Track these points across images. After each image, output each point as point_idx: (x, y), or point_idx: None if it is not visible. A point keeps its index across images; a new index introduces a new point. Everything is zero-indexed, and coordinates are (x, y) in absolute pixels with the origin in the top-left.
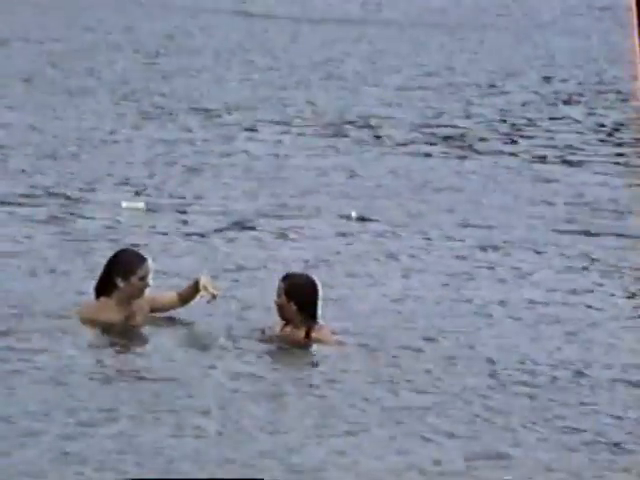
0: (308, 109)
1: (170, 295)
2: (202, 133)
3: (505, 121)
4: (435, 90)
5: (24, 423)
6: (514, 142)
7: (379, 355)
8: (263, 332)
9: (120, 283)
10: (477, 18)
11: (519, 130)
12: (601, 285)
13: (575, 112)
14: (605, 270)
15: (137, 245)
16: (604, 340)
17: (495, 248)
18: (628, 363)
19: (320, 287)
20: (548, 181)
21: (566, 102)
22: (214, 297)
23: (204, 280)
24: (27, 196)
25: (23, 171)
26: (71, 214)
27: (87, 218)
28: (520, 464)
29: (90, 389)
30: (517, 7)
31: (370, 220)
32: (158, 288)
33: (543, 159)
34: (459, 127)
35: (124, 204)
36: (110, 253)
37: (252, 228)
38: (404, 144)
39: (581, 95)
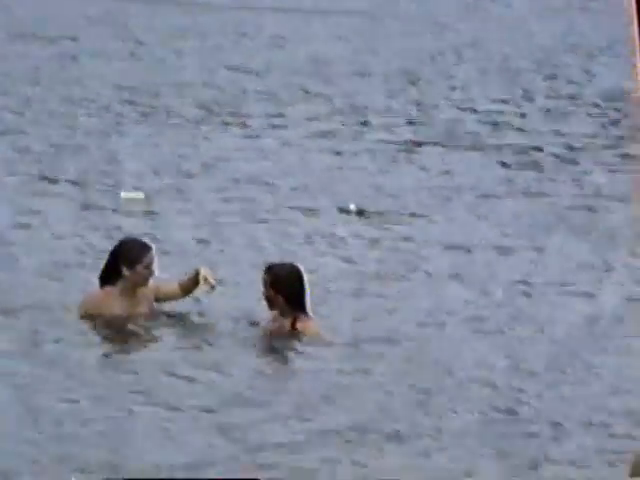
0: (301, 101)
1: (172, 285)
2: (196, 124)
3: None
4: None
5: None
6: (508, 135)
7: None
8: (256, 323)
9: (126, 272)
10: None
11: (511, 124)
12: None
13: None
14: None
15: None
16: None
17: (495, 244)
18: None
19: (305, 276)
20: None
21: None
22: (213, 288)
23: (204, 271)
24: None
25: (22, 160)
26: (72, 203)
27: (87, 209)
28: None
29: (91, 379)
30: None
31: (370, 213)
32: (158, 278)
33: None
34: (452, 119)
35: (123, 194)
36: (112, 243)
37: (250, 219)
38: (398, 136)
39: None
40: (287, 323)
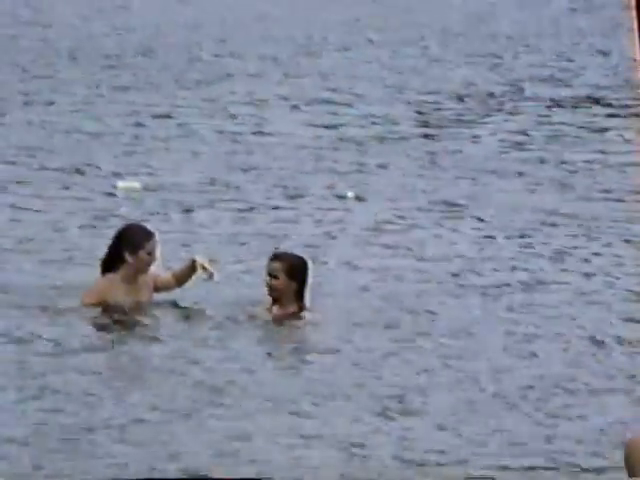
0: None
1: (167, 276)
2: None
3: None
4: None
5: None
6: (505, 119)
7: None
8: (254, 316)
9: (128, 258)
10: None
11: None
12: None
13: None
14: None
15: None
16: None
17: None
18: None
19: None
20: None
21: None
22: (211, 275)
23: (200, 259)
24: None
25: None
26: (67, 195)
27: (83, 199)
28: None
29: (93, 369)
30: None
31: (367, 200)
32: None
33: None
34: (449, 102)
35: (120, 184)
36: (111, 232)
37: (249, 208)
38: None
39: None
40: (290, 309)
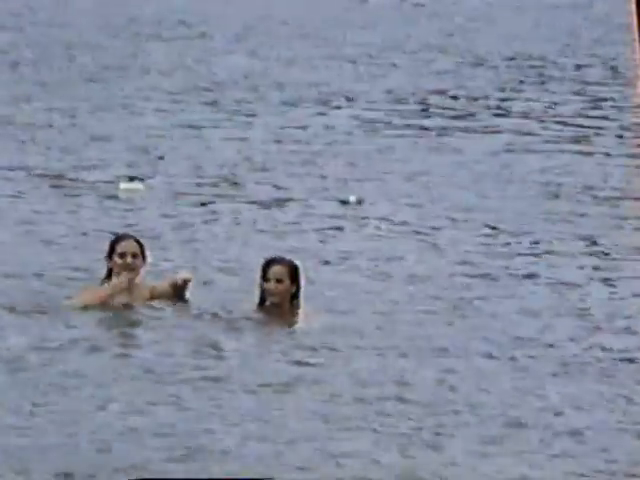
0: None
1: (164, 284)
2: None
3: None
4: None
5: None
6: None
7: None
8: (249, 317)
9: (108, 264)
10: None
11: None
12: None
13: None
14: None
15: (135, 225)
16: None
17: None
18: None
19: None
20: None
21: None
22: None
23: (182, 277)
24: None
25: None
26: (68, 196)
27: (84, 203)
28: None
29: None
30: None
31: (369, 203)
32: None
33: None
34: (449, 101)
35: (122, 185)
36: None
37: (250, 208)
38: (392, 121)
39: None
40: (287, 311)
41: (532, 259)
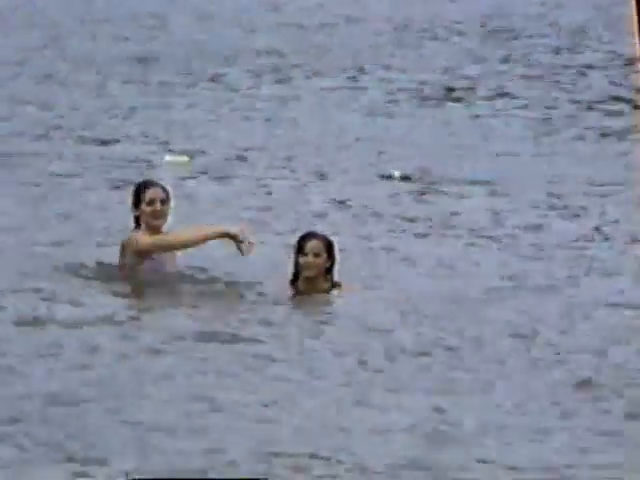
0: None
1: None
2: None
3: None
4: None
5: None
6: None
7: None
8: (290, 297)
9: (135, 213)
10: None
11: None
12: None
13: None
14: None
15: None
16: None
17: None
18: None
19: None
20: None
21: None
22: (243, 250)
23: (236, 230)
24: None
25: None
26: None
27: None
28: None
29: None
30: None
31: (413, 179)
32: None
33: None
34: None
35: (167, 158)
36: None
37: (294, 185)
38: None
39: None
40: (322, 286)
41: None
